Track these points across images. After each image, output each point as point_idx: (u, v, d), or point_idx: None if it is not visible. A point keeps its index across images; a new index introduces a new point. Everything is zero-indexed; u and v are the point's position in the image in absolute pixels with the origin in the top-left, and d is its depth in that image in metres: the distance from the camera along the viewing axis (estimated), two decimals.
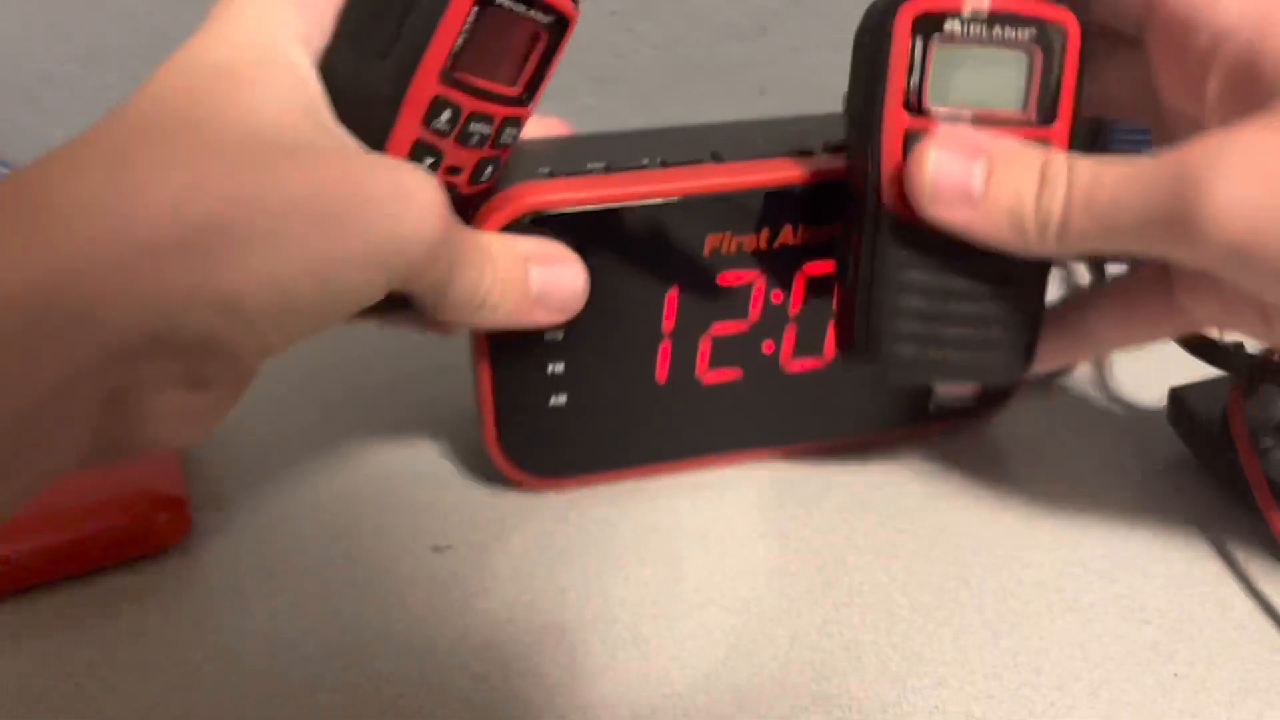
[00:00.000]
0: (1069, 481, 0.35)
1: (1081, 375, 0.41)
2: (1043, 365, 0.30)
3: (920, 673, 0.27)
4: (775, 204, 0.32)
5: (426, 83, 0.25)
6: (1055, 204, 0.24)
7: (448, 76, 0.25)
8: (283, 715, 0.26)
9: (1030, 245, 0.25)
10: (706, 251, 0.33)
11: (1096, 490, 0.34)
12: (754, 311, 0.34)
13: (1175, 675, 0.27)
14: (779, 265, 0.34)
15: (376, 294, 0.23)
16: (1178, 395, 0.35)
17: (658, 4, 0.53)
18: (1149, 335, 0.30)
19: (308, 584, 0.31)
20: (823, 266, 0.33)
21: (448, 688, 0.27)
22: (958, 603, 0.29)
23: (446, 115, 0.26)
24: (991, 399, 0.38)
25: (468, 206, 0.29)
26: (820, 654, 0.28)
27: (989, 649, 0.28)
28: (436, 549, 0.32)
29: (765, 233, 0.33)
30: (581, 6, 0.28)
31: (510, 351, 0.33)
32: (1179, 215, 0.22)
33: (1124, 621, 0.29)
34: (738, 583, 0.30)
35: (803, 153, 0.33)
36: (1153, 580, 0.30)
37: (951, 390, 0.36)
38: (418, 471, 0.36)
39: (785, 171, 0.32)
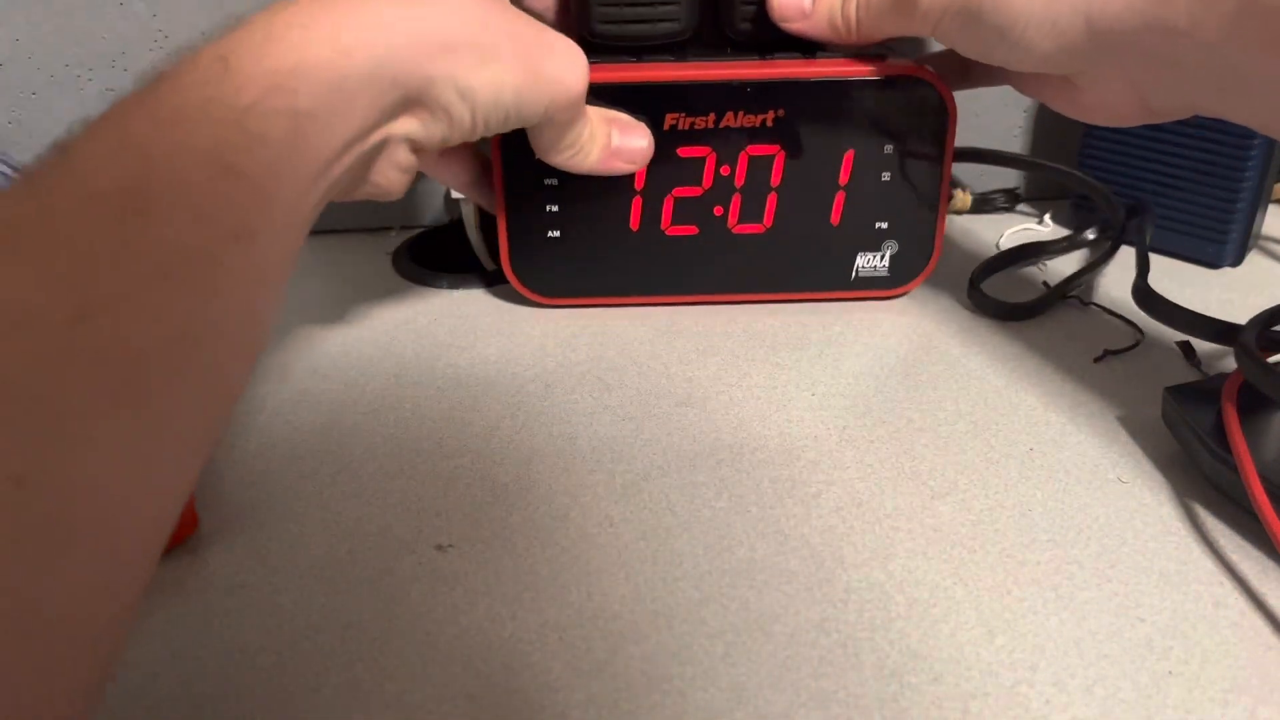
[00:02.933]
0: (1063, 479, 0.35)
1: (1078, 373, 0.41)
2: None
3: (916, 670, 0.27)
4: (718, 93, 0.42)
5: None
6: (851, 10, 0.40)
7: None
8: (287, 712, 0.26)
9: (843, 38, 0.41)
10: (665, 127, 0.43)
11: (1091, 488, 0.34)
12: (707, 180, 0.44)
13: (1170, 673, 0.27)
14: (726, 144, 0.44)
15: (539, 116, 0.35)
16: (1172, 394, 0.35)
17: None
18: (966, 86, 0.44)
19: (312, 582, 0.31)
20: (764, 149, 0.44)
21: (450, 685, 0.27)
22: (953, 600, 0.30)
23: None
24: (903, 274, 0.47)
25: None
26: (818, 651, 0.28)
27: (984, 646, 0.28)
28: (439, 548, 0.32)
29: (711, 116, 0.43)
30: None
31: (520, 192, 0.44)
32: (905, 2, 0.37)
33: (1119, 619, 0.29)
34: (737, 579, 0.30)
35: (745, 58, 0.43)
36: (1147, 578, 0.30)
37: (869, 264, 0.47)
38: (421, 470, 0.36)
39: (724, 70, 0.42)
